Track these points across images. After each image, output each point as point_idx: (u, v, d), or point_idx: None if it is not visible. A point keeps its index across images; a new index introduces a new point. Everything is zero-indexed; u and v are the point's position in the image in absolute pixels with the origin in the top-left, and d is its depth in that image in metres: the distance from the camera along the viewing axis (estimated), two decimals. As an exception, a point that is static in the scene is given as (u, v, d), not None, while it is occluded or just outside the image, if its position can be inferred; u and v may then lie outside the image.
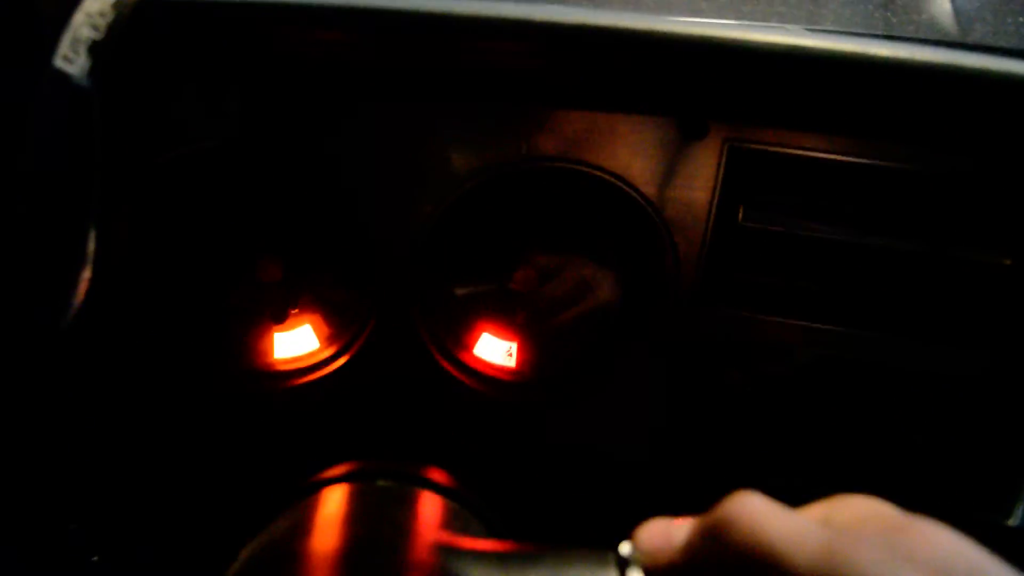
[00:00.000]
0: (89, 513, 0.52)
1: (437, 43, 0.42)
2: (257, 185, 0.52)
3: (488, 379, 0.54)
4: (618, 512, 0.55)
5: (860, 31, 0.69)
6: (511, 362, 0.56)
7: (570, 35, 0.41)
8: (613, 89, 0.46)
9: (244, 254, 0.53)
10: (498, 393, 0.54)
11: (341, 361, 0.53)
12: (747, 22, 0.68)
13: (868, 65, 0.42)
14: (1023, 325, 0.49)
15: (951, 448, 0.52)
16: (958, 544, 0.22)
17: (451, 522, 0.33)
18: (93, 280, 0.36)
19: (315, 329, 0.55)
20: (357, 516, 0.32)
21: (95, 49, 0.35)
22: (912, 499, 0.27)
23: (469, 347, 0.56)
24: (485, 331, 0.56)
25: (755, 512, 0.24)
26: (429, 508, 0.33)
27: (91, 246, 0.35)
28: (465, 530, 0.33)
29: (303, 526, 0.32)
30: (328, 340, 0.55)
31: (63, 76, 0.34)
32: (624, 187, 0.49)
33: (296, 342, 0.55)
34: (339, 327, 0.55)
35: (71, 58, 0.35)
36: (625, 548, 0.28)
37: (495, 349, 0.56)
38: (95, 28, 0.35)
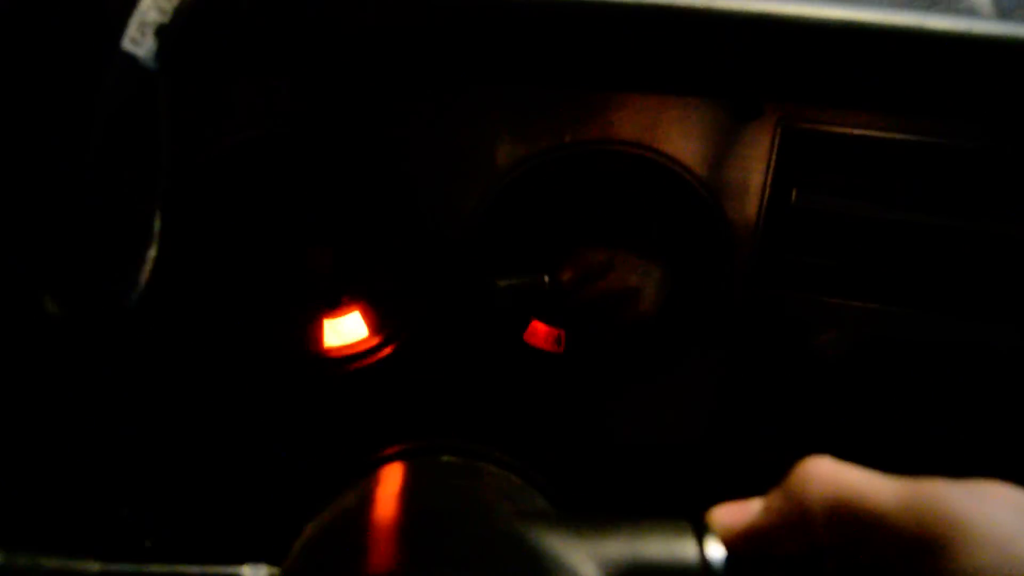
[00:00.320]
0: (143, 497, 0.53)
1: (487, 25, 0.43)
2: (312, 173, 0.53)
3: (537, 365, 0.54)
4: (675, 498, 0.54)
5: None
6: (559, 349, 0.56)
7: (625, 13, 0.41)
8: (667, 71, 0.46)
9: (297, 242, 0.54)
10: (547, 379, 0.54)
11: (391, 348, 0.54)
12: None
13: (925, 38, 0.41)
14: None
15: (1008, 429, 0.51)
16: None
17: (518, 495, 0.33)
18: (157, 262, 0.36)
19: (364, 316, 0.55)
20: (425, 489, 0.32)
21: (162, 32, 0.36)
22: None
23: (518, 334, 0.55)
24: (533, 318, 0.55)
25: (832, 466, 0.25)
26: (497, 481, 0.33)
27: (156, 225, 0.36)
28: (531, 504, 0.33)
29: (371, 499, 0.32)
30: (377, 328, 0.55)
31: (131, 58, 0.35)
32: (678, 170, 0.49)
33: (346, 330, 0.55)
34: (389, 314, 0.55)
35: (138, 41, 0.35)
36: (701, 522, 0.28)
37: (543, 336, 0.55)
38: (162, 11, 0.36)
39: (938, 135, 0.47)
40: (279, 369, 0.54)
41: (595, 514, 0.29)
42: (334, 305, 0.54)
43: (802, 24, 0.41)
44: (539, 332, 0.55)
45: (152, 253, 0.35)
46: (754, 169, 0.49)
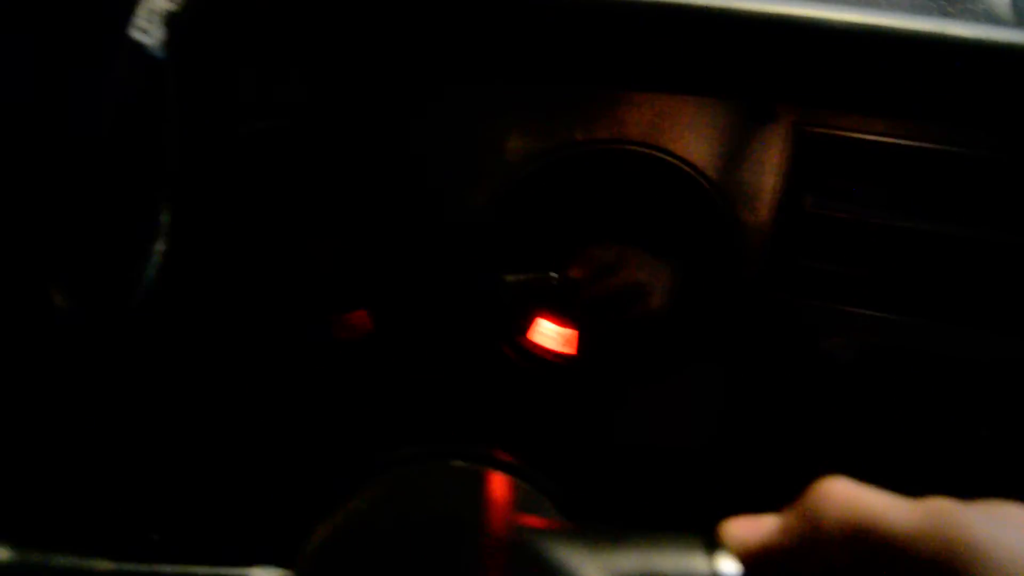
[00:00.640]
0: (152, 497, 0.52)
1: (505, 21, 0.42)
2: (322, 167, 0.52)
3: (545, 364, 0.54)
4: (682, 501, 0.54)
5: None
6: (567, 348, 0.55)
7: (640, 12, 0.40)
8: (681, 71, 0.45)
9: (305, 236, 0.53)
10: (556, 378, 0.53)
11: (398, 342, 0.53)
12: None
13: (944, 44, 0.41)
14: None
15: (1018, 442, 0.51)
16: None
17: (529, 504, 0.32)
18: (165, 255, 0.36)
19: (372, 313, 0.55)
20: (435, 495, 0.32)
21: (170, 21, 0.35)
22: (975, 493, 0.27)
23: (525, 332, 0.55)
24: (542, 317, 0.55)
25: (849, 487, 0.24)
26: (507, 489, 0.32)
27: (165, 219, 0.35)
28: (542, 513, 0.33)
29: (381, 505, 0.32)
30: (385, 321, 0.55)
31: (138, 47, 0.34)
32: (690, 171, 0.49)
33: (353, 323, 0.54)
34: (398, 308, 0.54)
35: (146, 29, 0.35)
36: (713, 537, 0.28)
37: (551, 335, 0.55)
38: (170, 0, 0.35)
39: (953, 143, 0.47)
40: (285, 365, 0.54)
41: (606, 526, 0.29)
42: (341, 299, 0.54)
43: (819, 27, 0.41)
44: (548, 331, 0.55)
45: (160, 247, 0.35)
46: (767, 173, 0.49)
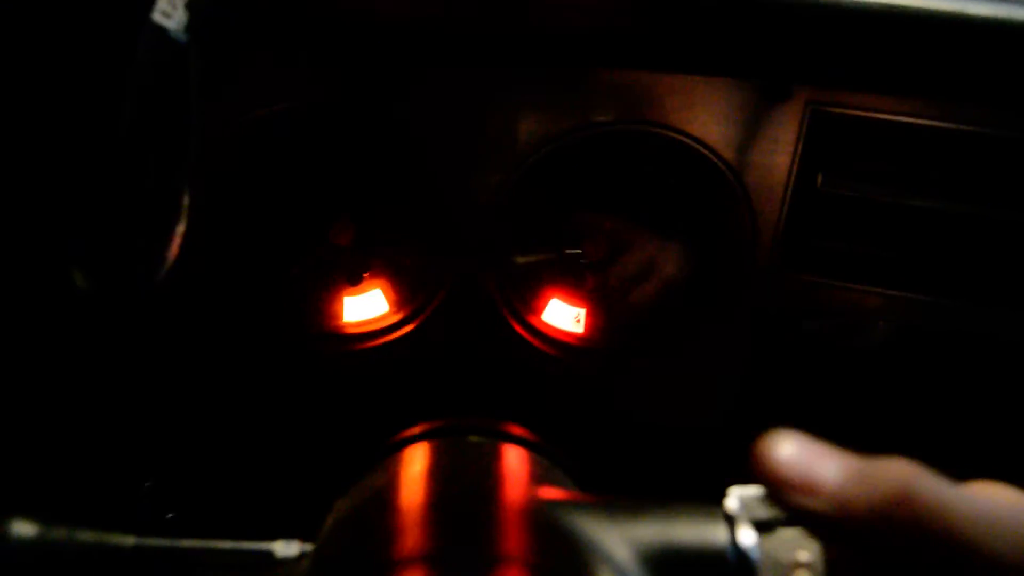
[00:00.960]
0: (166, 471, 0.53)
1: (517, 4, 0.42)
2: (332, 149, 0.53)
3: (558, 344, 0.54)
4: (696, 480, 0.55)
5: None
6: (579, 328, 0.56)
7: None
8: (694, 50, 0.45)
9: (318, 218, 0.54)
10: (569, 358, 0.54)
11: (412, 325, 0.54)
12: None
13: (965, 23, 0.41)
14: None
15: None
16: None
17: (547, 476, 0.33)
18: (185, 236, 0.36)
19: (385, 293, 0.55)
20: (455, 469, 0.32)
21: (192, 5, 0.35)
22: (992, 472, 0.27)
23: (538, 312, 0.55)
24: (554, 297, 0.55)
25: (937, 489, 0.22)
26: (525, 462, 0.33)
27: (185, 200, 0.36)
28: (560, 485, 0.33)
29: (401, 479, 0.32)
30: (398, 304, 0.55)
31: (161, 31, 0.35)
32: (703, 151, 0.49)
33: (366, 306, 0.55)
34: (409, 291, 0.55)
35: (169, 13, 0.35)
36: (733, 503, 0.28)
37: (564, 315, 0.56)
38: (191, -18, 0.36)
39: (967, 122, 0.46)
40: (299, 343, 0.54)
41: (625, 496, 0.29)
42: (355, 281, 0.54)
43: (838, 6, 0.41)
44: (560, 311, 0.55)
45: (181, 227, 0.35)
46: (781, 152, 0.49)
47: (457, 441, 0.34)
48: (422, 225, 0.54)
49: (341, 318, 0.55)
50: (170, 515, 0.54)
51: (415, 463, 0.33)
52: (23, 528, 0.31)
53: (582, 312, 0.56)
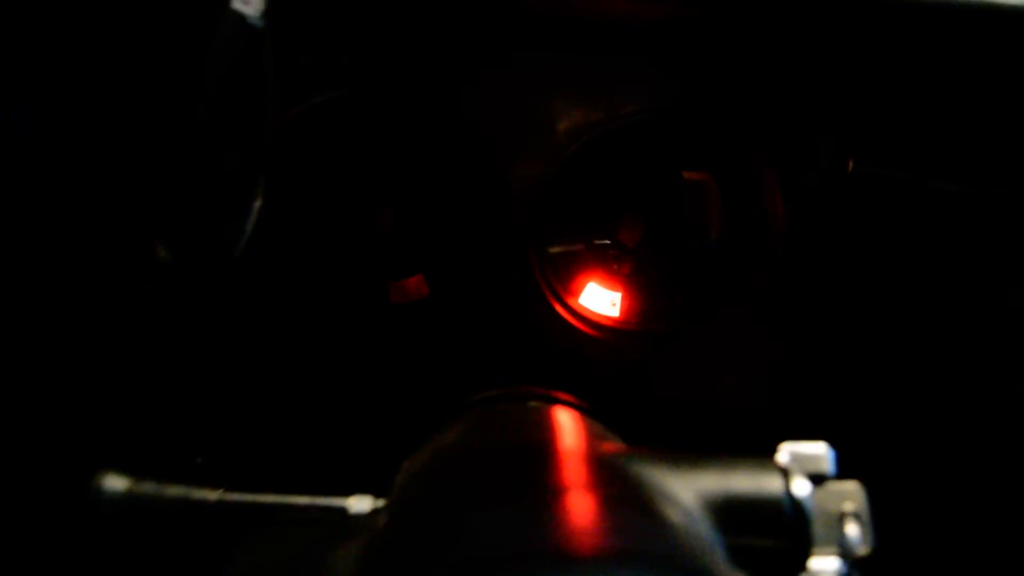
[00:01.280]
0: (220, 445, 0.55)
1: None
2: (378, 138, 0.55)
3: (597, 326, 0.56)
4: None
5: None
6: (615, 312, 0.58)
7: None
8: (735, 37, 0.47)
9: (363, 205, 0.56)
10: (609, 339, 0.56)
11: (456, 306, 0.55)
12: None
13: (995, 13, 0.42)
14: None
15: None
16: None
17: (605, 435, 0.35)
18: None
19: (427, 279, 0.57)
20: (520, 427, 0.34)
21: (269, -8, 0.37)
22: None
23: (576, 295, 0.57)
24: (591, 281, 0.57)
25: None
26: (585, 423, 0.35)
27: (261, 180, 0.38)
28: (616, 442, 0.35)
29: (469, 438, 0.34)
30: (443, 287, 0.57)
31: (239, 17, 0.37)
32: (735, 132, 0.51)
33: (410, 289, 0.57)
34: (454, 274, 0.57)
35: (247, 0, 0.37)
36: (784, 457, 0.30)
37: (600, 299, 0.57)
38: (268, -27, 0.38)
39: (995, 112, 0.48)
40: (348, 323, 0.56)
41: (682, 450, 0.31)
42: (398, 266, 0.56)
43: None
44: (597, 295, 0.57)
45: (258, 204, 0.38)
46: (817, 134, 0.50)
47: (519, 405, 0.36)
48: (468, 208, 0.56)
49: (387, 301, 0.57)
50: (199, 459, 0.55)
51: (478, 424, 0.35)
52: (115, 482, 0.33)
53: (618, 296, 0.58)
